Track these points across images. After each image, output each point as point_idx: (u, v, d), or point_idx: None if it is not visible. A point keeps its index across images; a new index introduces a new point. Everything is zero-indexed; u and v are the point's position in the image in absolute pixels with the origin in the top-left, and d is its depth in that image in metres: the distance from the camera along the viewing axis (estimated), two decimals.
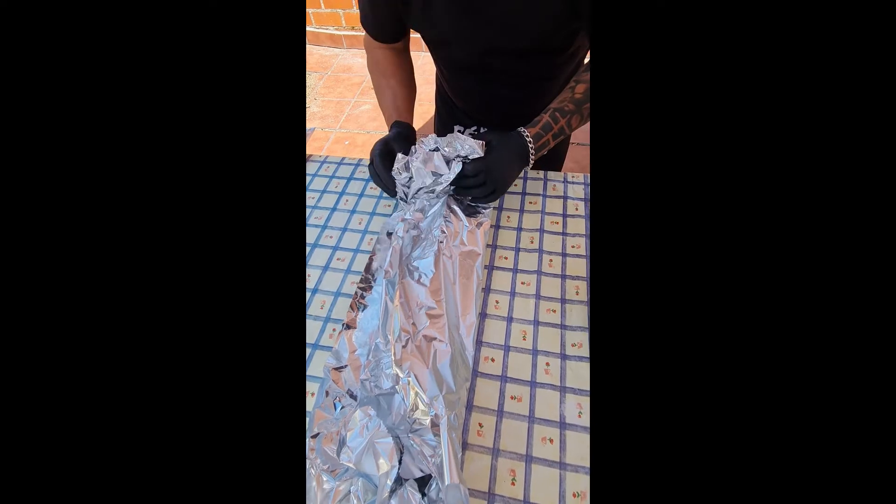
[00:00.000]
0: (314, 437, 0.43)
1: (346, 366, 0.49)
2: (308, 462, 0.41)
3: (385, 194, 0.72)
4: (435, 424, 0.42)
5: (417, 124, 2.05)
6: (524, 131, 0.62)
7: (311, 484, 0.39)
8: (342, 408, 0.45)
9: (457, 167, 0.60)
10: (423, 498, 0.38)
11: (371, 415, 0.43)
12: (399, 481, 0.39)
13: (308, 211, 0.72)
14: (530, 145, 0.61)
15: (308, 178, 0.77)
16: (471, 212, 0.63)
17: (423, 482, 0.39)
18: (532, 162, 0.62)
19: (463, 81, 0.78)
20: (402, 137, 0.68)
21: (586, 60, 0.75)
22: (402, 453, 0.41)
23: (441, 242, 0.58)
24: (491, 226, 0.66)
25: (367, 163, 0.67)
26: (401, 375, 0.45)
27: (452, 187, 0.62)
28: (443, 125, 0.92)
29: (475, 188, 0.60)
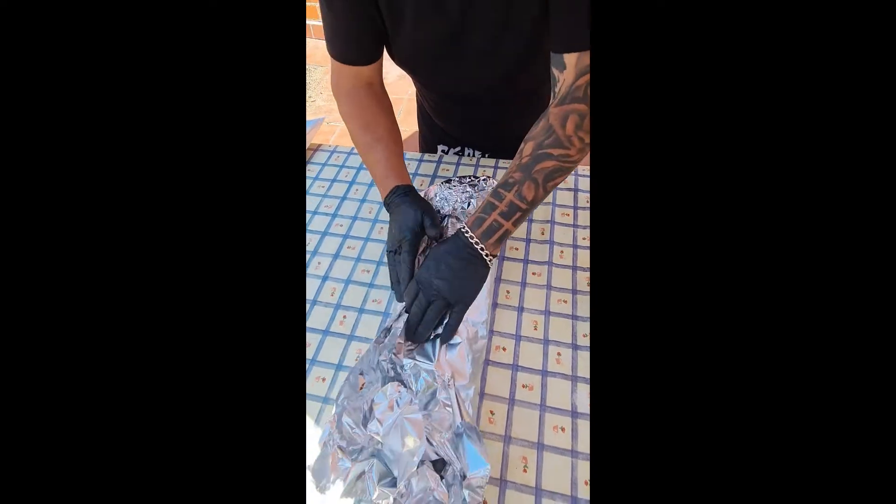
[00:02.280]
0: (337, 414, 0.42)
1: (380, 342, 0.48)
2: (328, 436, 0.41)
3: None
4: (445, 387, 0.42)
5: (411, 127, 2.01)
6: (462, 224, 0.51)
7: (327, 462, 0.39)
8: (367, 383, 0.45)
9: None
10: (441, 479, 0.38)
11: (401, 391, 0.43)
12: (420, 462, 0.39)
13: (318, 200, 0.72)
14: (468, 236, 0.49)
15: (317, 168, 0.77)
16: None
17: (439, 465, 0.39)
18: (489, 256, 0.49)
19: (443, 102, 0.75)
20: (427, 209, 0.55)
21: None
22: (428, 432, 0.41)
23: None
24: None
25: (390, 248, 0.54)
26: (414, 362, 0.45)
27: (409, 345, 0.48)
28: (426, 143, 0.88)
29: (424, 315, 0.48)
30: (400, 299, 0.51)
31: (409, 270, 0.51)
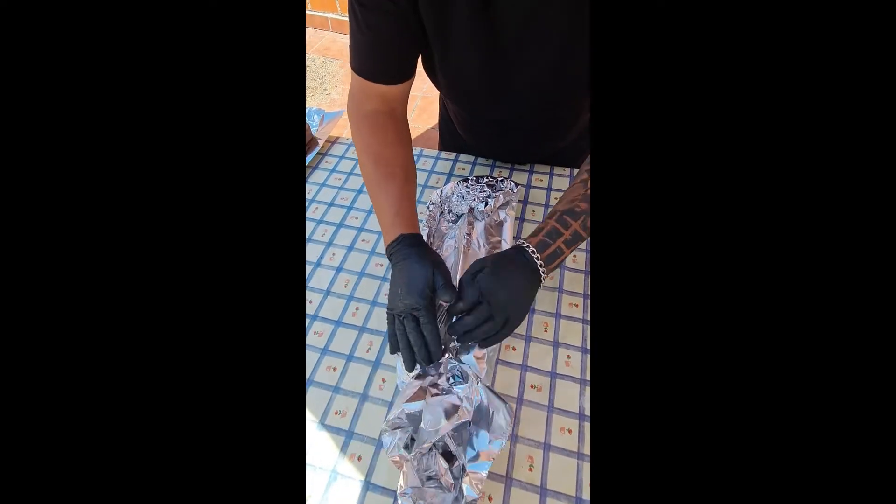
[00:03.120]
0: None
1: None
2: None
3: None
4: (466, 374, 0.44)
5: (425, 124, 1.98)
6: (525, 243, 0.48)
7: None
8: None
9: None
10: (449, 469, 0.39)
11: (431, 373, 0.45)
12: (434, 445, 0.40)
13: (334, 192, 0.72)
14: (535, 257, 0.47)
15: (335, 160, 0.78)
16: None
17: (448, 456, 0.40)
18: (545, 277, 0.48)
19: (472, 120, 0.71)
20: (437, 264, 0.49)
21: None
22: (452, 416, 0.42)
23: (464, 242, 0.59)
24: (516, 218, 0.66)
25: (394, 309, 0.48)
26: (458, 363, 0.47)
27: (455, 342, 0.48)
28: (444, 147, 0.85)
29: (479, 326, 0.45)
30: (410, 368, 0.47)
31: (435, 334, 0.46)
